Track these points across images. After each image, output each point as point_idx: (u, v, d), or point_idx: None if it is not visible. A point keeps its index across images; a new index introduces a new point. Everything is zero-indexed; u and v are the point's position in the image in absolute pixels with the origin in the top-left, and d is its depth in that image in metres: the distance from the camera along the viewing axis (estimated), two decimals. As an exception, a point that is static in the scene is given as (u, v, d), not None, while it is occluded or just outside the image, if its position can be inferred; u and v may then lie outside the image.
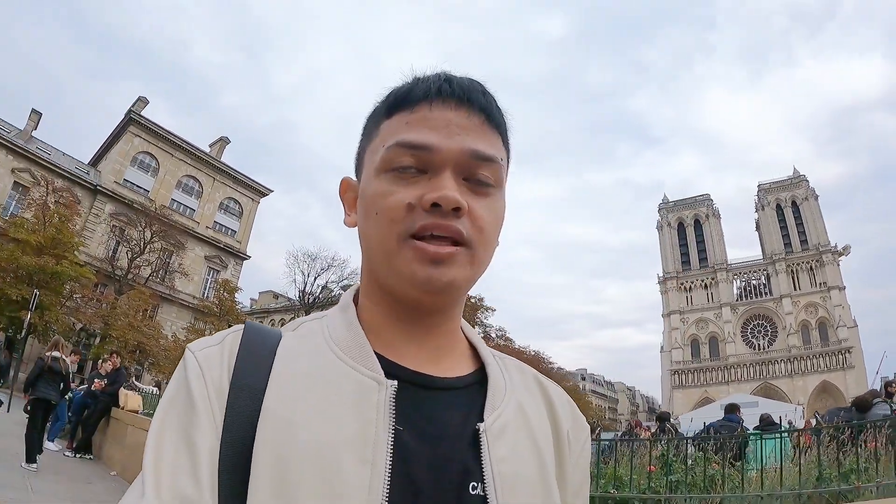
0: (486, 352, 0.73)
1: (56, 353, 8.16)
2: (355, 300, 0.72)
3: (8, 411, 10.78)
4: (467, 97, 0.64)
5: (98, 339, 30.34)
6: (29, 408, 8.12)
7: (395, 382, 0.61)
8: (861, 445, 4.51)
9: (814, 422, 14.58)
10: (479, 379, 0.69)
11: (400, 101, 0.66)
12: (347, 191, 0.73)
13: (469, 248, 0.62)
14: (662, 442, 5.72)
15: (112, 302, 30.59)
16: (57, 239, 26.51)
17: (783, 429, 8.33)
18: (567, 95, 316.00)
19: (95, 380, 10.17)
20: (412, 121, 0.64)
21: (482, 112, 0.65)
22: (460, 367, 0.69)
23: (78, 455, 9.40)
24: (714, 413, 18.54)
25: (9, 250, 25.68)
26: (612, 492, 4.57)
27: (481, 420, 0.63)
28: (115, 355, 10.74)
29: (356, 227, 0.70)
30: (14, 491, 6.13)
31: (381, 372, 0.62)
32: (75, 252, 28.22)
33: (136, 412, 9.22)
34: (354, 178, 0.73)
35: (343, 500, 0.54)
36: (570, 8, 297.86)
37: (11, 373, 15.99)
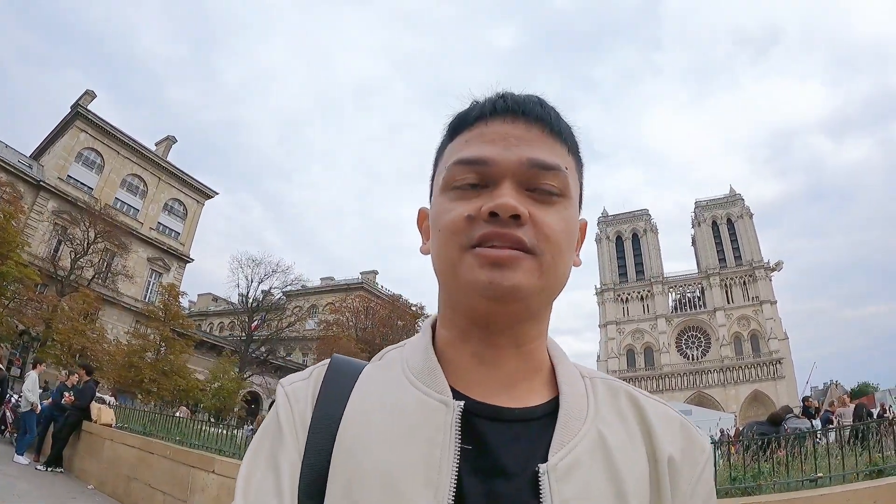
0: (568, 376, 0.69)
1: None
2: (434, 327, 0.72)
3: None
4: (522, 110, 0.65)
5: (39, 343, 29.04)
6: None
7: (462, 403, 0.61)
8: (771, 454, 5.51)
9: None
10: (556, 408, 0.65)
11: (459, 123, 0.68)
12: (424, 220, 0.73)
13: (535, 256, 0.61)
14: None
15: (54, 304, 29.38)
16: (0, 238, 25.29)
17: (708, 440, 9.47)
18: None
19: (65, 393, 10.22)
20: (470, 138, 0.66)
21: (540, 122, 0.65)
22: (536, 396, 0.66)
23: (49, 469, 9.38)
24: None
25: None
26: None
27: (546, 459, 0.59)
28: (82, 369, 10.73)
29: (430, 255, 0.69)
30: (5, 506, 6.28)
31: (450, 394, 0.62)
32: (18, 251, 26.97)
33: (110, 426, 9.39)
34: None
35: None
36: (521, 20, 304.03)
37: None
